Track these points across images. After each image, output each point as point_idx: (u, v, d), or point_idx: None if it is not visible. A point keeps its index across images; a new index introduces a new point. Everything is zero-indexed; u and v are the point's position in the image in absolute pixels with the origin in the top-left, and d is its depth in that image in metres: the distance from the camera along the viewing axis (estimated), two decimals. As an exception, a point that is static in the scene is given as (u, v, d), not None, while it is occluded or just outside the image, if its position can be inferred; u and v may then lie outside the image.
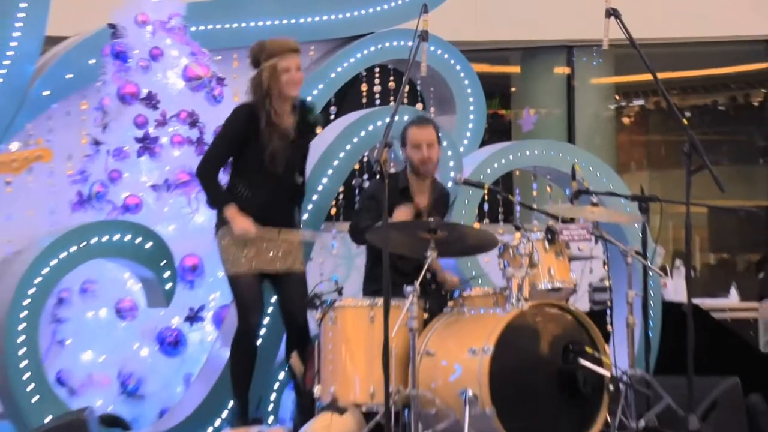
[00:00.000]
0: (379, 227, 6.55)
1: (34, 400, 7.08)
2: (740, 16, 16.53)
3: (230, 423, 7.16)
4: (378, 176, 7.10)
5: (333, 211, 8.52)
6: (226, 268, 7.24)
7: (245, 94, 7.33)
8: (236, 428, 6.76)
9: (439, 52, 9.32)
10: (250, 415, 7.17)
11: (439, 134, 7.59)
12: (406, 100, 8.72)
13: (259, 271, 7.19)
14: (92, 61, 8.68)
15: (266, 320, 7.46)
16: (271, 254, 7.21)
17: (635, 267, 7.27)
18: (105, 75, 8.45)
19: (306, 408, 6.96)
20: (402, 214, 7.15)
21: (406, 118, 7.61)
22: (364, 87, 9.59)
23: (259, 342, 7.31)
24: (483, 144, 9.41)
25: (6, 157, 7.73)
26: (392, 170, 7.73)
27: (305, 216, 7.85)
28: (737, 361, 8.93)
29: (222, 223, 7.22)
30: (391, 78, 9.60)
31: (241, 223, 7.09)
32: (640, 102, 18.93)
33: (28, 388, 7.08)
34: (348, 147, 8.09)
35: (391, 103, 8.92)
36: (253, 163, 7.18)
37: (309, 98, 7.68)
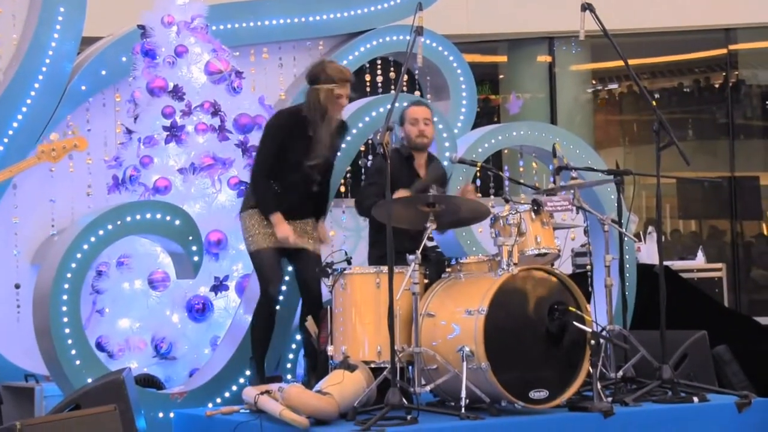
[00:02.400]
0: (383, 203, 6.50)
1: (77, 363, 7.02)
2: (702, 8, 16.46)
3: (250, 381, 7.10)
4: (381, 155, 7.03)
5: (342, 189, 8.49)
6: (248, 244, 7.21)
7: (295, 101, 7.32)
8: (255, 386, 6.69)
9: (433, 44, 9.27)
10: (266, 374, 7.14)
11: (434, 118, 7.52)
12: (405, 88, 8.68)
13: (278, 246, 7.13)
14: (124, 59, 8.68)
15: (284, 289, 7.38)
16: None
17: (612, 234, 7.23)
18: (136, 71, 8.44)
19: (319, 366, 6.93)
20: (401, 193, 7.09)
21: (405, 104, 7.56)
22: (367, 77, 9.55)
23: (277, 308, 7.26)
24: (475, 126, 9.35)
25: (46, 147, 7.70)
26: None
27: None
28: (704, 316, 8.89)
29: (248, 205, 7.19)
30: (392, 69, 9.58)
31: (284, 231, 7.08)
32: (614, 86, 18.84)
33: (72, 353, 7.02)
34: (354, 131, 8.03)
35: (392, 91, 8.84)
36: (290, 166, 7.12)
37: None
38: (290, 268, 7.42)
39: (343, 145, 7.80)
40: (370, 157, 9.11)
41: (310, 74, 7.24)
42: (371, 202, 7.03)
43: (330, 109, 7.15)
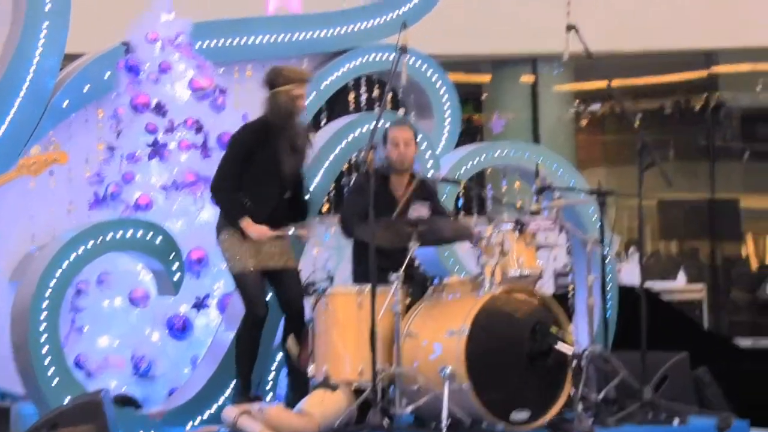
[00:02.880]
0: (366, 222, 6.47)
1: (54, 382, 6.96)
2: (683, 30, 16.51)
3: (232, 400, 7.03)
4: (365, 173, 6.99)
5: (326, 207, 8.45)
6: (230, 266, 7.13)
7: (262, 111, 7.21)
8: (238, 404, 6.64)
9: (417, 63, 9.23)
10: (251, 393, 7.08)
11: (417, 136, 7.48)
12: (389, 107, 8.65)
13: (261, 268, 7.07)
14: (107, 75, 8.61)
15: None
16: (269, 252, 7.10)
17: (594, 254, 7.21)
18: (119, 87, 8.41)
19: (300, 386, 6.87)
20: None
21: (389, 123, 7.51)
22: (351, 95, 9.51)
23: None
24: (458, 145, 9.32)
25: (26, 161, 7.62)
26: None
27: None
28: (685, 337, 8.88)
29: (224, 225, 7.11)
30: (376, 87, 9.53)
31: (258, 230, 7.02)
32: (597, 106, 18.88)
33: (49, 372, 6.96)
34: (337, 149, 8.02)
35: (376, 110, 8.81)
36: (260, 177, 7.06)
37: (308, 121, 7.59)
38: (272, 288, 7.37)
39: (326, 163, 7.76)
40: (353, 176, 9.06)
41: (267, 80, 7.21)
42: (357, 230, 7.02)
43: (291, 109, 7.10)
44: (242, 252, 7.04)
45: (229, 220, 7.12)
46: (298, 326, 7.05)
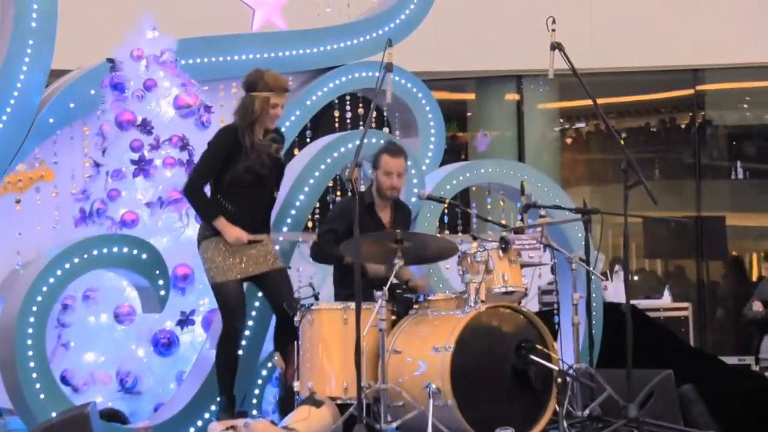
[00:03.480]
0: (351, 241, 6.52)
1: (41, 397, 7.02)
2: (669, 48, 16.60)
3: (217, 416, 7.07)
4: (349, 193, 7.06)
5: (309, 224, 8.48)
6: (210, 277, 7.17)
7: (232, 114, 7.28)
8: (222, 420, 6.68)
9: (402, 81, 9.30)
10: (235, 409, 7.11)
11: (408, 163, 7.56)
12: (374, 125, 8.70)
13: (243, 276, 7.12)
14: (93, 92, 8.64)
15: (250, 323, 7.38)
16: (253, 258, 7.16)
17: (579, 272, 7.26)
18: (104, 104, 8.42)
19: (287, 401, 6.91)
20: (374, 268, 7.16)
21: (374, 140, 7.59)
22: (336, 113, 9.56)
23: (243, 343, 7.25)
24: (443, 163, 9.38)
25: (13, 178, 7.74)
26: (362, 188, 7.71)
27: (285, 228, 7.79)
28: (670, 355, 8.92)
29: (205, 235, 7.16)
30: (360, 105, 9.57)
31: (233, 232, 7.04)
32: (582, 125, 18.95)
33: (36, 387, 7.02)
34: (322, 167, 8.07)
35: (361, 128, 8.88)
36: (235, 181, 7.11)
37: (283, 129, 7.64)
38: (260, 294, 7.42)
39: (311, 180, 7.80)
40: (338, 193, 9.12)
41: (247, 82, 7.26)
42: (334, 254, 7.15)
43: (262, 117, 7.14)
44: (225, 260, 7.08)
45: (204, 220, 7.16)
46: (291, 332, 7.02)
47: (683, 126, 18.71)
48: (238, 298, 7.11)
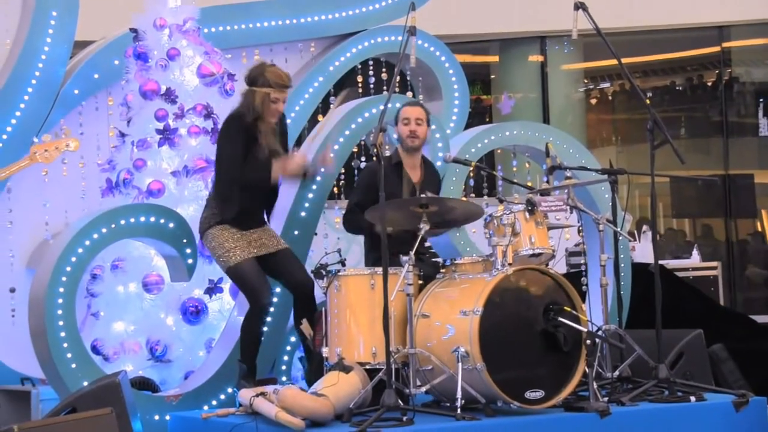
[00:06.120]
0: (376, 207, 6.52)
1: (72, 366, 7.05)
2: (694, 6, 16.51)
3: (236, 383, 7.02)
4: (374, 158, 7.06)
5: (335, 189, 8.50)
6: (222, 263, 7.09)
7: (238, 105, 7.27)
8: (247, 388, 6.69)
9: (426, 45, 9.29)
10: (256, 377, 7.12)
11: (429, 117, 7.54)
12: (397, 89, 8.70)
13: (255, 255, 7.08)
14: (117, 62, 8.69)
15: (277, 289, 7.40)
16: (259, 240, 7.13)
17: (606, 233, 7.23)
18: (128, 74, 8.44)
19: (314, 368, 6.94)
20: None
21: (398, 105, 7.57)
22: (359, 78, 9.56)
23: (271, 309, 7.27)
24: (467, 126, 9.37)
25: (39, 148, 7.77)
26: (387, 153, 7.72)
27: (310, 194, 7.81)
28: (700, 315, 8.92)
29: (210, 224, 7.12)
30: (384, 69, 9.59)
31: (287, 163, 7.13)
32: (607, 85, 18.89)
33: (67, 356, 7.06)
34: (347, 132, 8.05)
35: (384, 92, 8.88)
36: (249, 168, 7.09)
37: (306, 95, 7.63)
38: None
39: (335, 146, 7.80)
40: (363, 159, 9.13)
41: (248, 76, 7.21)
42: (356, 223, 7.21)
43: (264, 112, 7.11)
44: (235, 243, 7.04)
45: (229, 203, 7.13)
46: (310, 307, 7.07)
47: (709, 84, 18.62)
48: (258, 274, 7.03)
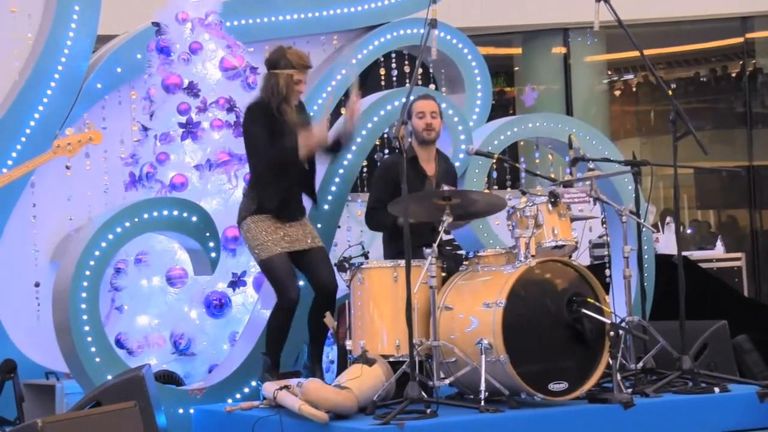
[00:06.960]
0: (399, 200, 6.51)
1: (96, 360, 7.09)
2: (717, -4, 16.47)
3: (261, 377, 7.01)
4: (396, 151, 7.04)
5: (358, 182, 8.49)
6: (255, 255, 7.08)
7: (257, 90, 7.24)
8: (271, 381, 6.70)
9: (448, 37, 9.27)
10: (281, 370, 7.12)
11: (441, 107, 7.52)
12: (419, 82, 8.68)
13: (288, 250, 7.07)
14: (139, 56, 8.70)
15: (301, 282, 7.39)
16: (294, 236, 7.10)
17: (630, 224, 7.23)
18: (151, 68, 8.46)
19: (340, 360, 6.94)
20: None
21: (412, 98, 7.53)
22: (382, 71, 9.55)
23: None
24: (490, 119, 9.36)
25: (62, 141, 7.80)
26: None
27: (333, 188, 7.80)
28: (724, 306, 8.88)
29: (250, 210, 7.08)
30: (406, 62, 9.58)
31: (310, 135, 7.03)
32: (630, 76, 18.83)
33: (91, 350, 7.09)
34: (369, 125, 8.06)
35: (407, 85, 8.86)
36: (283, 157, 7.05)
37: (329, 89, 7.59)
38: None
39: (358, 139, 7.79)
40: (386, 151, 9.12)
41: (269, 60, 7.19)
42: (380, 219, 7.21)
43: (288, 92, 7.09)
44: (269, 236, 7.03)
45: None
46: (329, 308, 7.03)
47: (733, 75, 18.55)
48: (288, 269, 7.01)
